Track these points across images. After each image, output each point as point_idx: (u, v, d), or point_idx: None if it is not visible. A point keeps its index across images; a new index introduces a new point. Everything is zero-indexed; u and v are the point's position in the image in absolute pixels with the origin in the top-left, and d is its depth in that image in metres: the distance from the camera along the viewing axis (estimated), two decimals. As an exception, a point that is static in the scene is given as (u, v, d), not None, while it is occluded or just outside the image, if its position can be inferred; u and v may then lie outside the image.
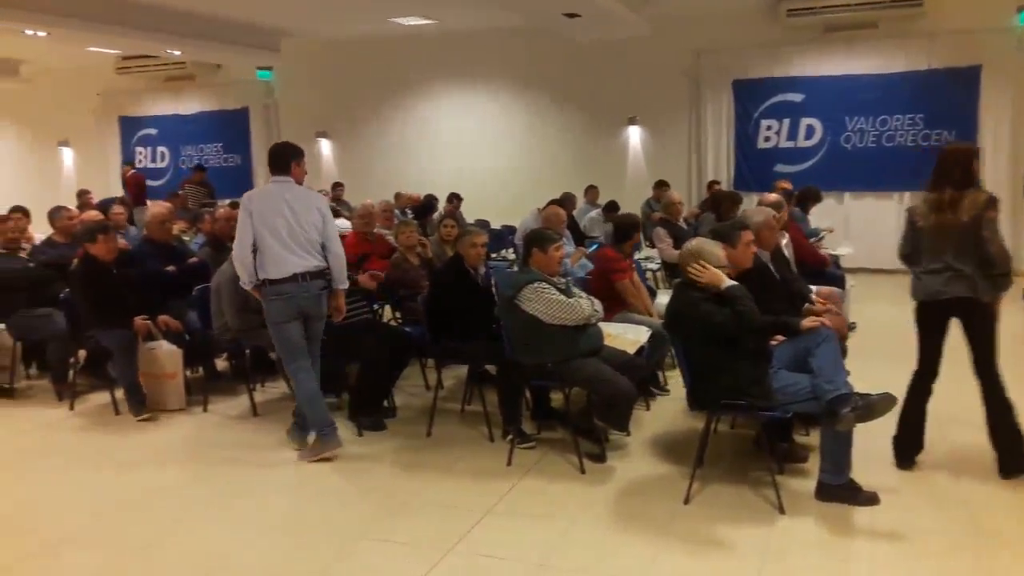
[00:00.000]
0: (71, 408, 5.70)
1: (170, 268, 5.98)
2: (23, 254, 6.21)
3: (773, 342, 4.03)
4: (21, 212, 6.79)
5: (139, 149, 15.40)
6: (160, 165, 15.29)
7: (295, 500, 4.21)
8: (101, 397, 5.79)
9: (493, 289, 5.66)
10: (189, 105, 14.84)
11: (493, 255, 8.76)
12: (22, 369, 6.43)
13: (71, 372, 5.85)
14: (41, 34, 9.55)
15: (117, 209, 8.34)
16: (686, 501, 3.89)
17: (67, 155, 15.97)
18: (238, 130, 14.47)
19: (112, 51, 12.55)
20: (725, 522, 3.69)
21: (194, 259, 6.28)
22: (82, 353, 5.95)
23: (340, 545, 3.62)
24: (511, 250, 9.52)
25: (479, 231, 5.27)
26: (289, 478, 4.46)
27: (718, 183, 10.90)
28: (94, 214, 7.11)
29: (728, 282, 3.82)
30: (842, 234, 10.08)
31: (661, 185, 10.42)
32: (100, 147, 15.48)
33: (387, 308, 6.70)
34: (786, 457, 4.24)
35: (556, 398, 5.03)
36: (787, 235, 5.70)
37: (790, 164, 11.27)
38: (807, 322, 3.93)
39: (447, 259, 5.79)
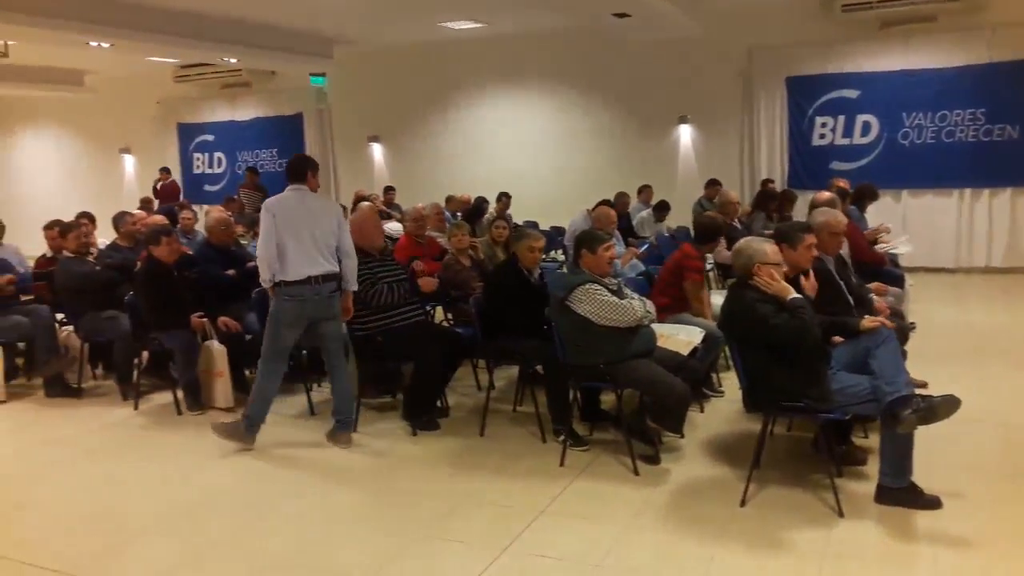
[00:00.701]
0: (135, 407, 5.89)
1: (230, 271, 6.14)
2: (90, 259, 6.42)
3: (832, 343, 3.98)
4: (87, 218, 7.03)
5: (196, 155, 15.81)
6: (217, 171, 15.68)
7: (353, 498, 4.28)
8: (163, 397, 5.97)
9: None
10: (245, 111, 15.19)
11: (543, 257, 8.76)
12: (89, 369, 6.65)
13: (135, 372, 6.03)
14: (105, 45, 9.89)
15: (186, 214, 8.57)
16: (742, 503, 3.85)
17: (128, 162, 16.47)
18: (292, 135, 14.76)
19: (171, 60, 12.90)
20: (783, 525, 3.65)
21: (252, 263, 6.42)
22: (145, 354, 6.14)
23: (397, 543, 3.68)
24: (560, 251, 9.52)
25: (537, 234, 5.29)
26: (347, 477, 4.54)
27: (772, 181, 10.77)
28: (158, 218, 7.34)
29: (792, 294, 3.76)
30: (900, 233, 9.85)
31: (713, 184, 10.33)
32: (159, 153, 15.91)
33: (438, 309, 6.76)
34: (844, 460, 4.17)
35: (607, 400, 5.03)
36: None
37: (846, 161, 11.07)
38: (867, 322, 3.87)
39: (501, 260, 5.83)
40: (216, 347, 5.65)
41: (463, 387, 5.94)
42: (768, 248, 3.90)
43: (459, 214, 10.42)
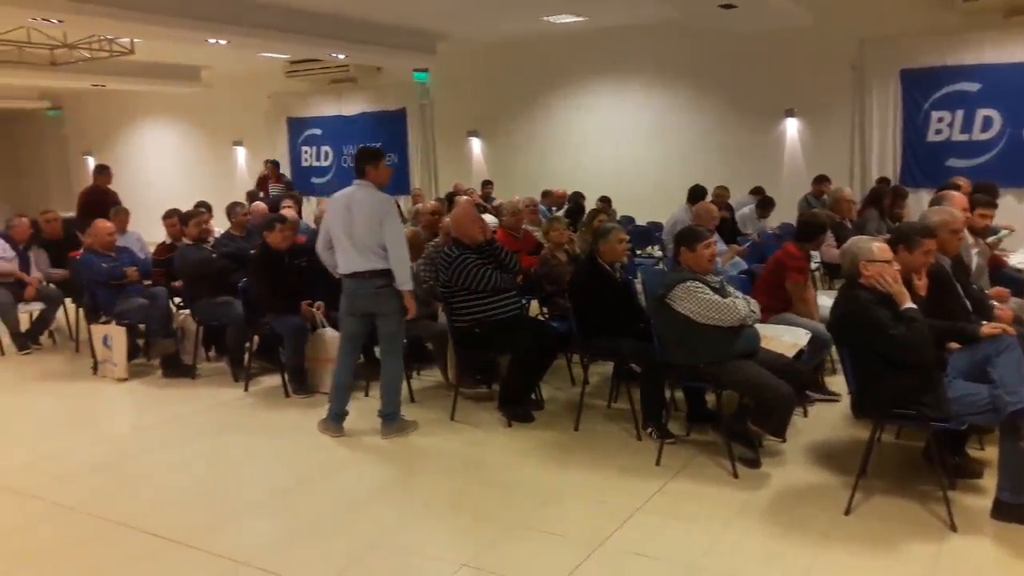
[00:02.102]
0: (245, 389, 6.16)
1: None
2: (207, 246, 6.74)
3: (949, 349, 3.80)
4: (205, 208, 7.39)
5: (304, 148, 16.34)
6: (324, 163, 16.17)
7: (450, 485, 4.37)
8: (273, 380, 6.22)
9: (639, 285, 5.68)
10: (351, 106, 15.59)
11: (638, 252, 8.69)
12: (203, 352, 6.99)
13: (246, 356, 6.31)
14: (222, 42, 10.33)
15: (287, 203, 8.91)
16: (847, 512, 3.73)
17: (240, 154, 17.18)
18: (395, 130, 15.06)
19: (282, 56, 13.37)
20: (889, 536, 3.52)
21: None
22: (256, 338, 6.41)
23: (492, 531, 3.73)
24: (656, 247, 9.41)
25: (620, 228, 5.27)
26: (444, 464, 4.64)
27: (886, 180, 10.31)
28: (263, 207, 7.63)
29: (909, 302, 3.61)
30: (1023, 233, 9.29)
31: (821, 180, 9.94)
32: (270, 146, 16.52)
33: (533, 304, 6.79)
34: (958, 472, 3.98)
35: (709, 400, 4.96)
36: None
37: (964, 158, 10.48)
38: (987, 328, 3.67)
39: (582, 260, 5.79)
40: (328, 334, 5.85)
41: (557, 381, 5.96)
42: (874, 246, 3.75)
43: (555, 208, 10.43)
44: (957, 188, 7.22)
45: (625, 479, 4.25)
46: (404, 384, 5.79)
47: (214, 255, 6.54)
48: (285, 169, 16.10)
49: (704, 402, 4.91)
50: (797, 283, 5.17)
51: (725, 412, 4.59)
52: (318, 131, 16.08)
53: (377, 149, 5.04)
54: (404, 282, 4.85)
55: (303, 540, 3.74)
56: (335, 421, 5.11)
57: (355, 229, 4.79)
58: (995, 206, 5.70)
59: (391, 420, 5.07)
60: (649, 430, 4.75)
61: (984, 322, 3.87)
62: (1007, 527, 3.50)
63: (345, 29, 11.09)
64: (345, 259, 4.86)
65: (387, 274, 4.80)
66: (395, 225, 4.87)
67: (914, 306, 3.60)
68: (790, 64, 11.47)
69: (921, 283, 3.82)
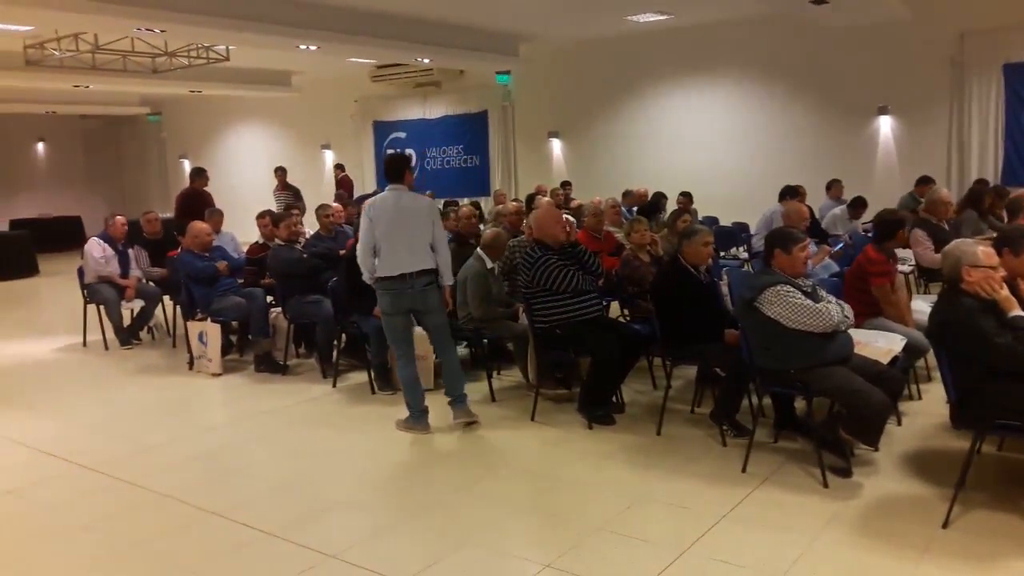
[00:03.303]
0: (334, 385, 6.32)
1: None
2: (298, 247, 6.94)
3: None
4: (297, 209, 7.62)
5: (389, 151, 16.65)
6: (408, 166, 16.43)
7: (532, 485, 4.38)
8: (360, 376, 6.37)
9: (726, 288, 5.59)
10: (435, 109, 15.83)
11: (723, 254, 8.54)
12: (293, 349, 7.20)
13: (335, 353, 6.47)
14: (312, 48, 10.64)
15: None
16: (944, 525, 3.58)
17: (328, 157, 17.63)
18: (477, 132, 15.23)
19: (369, 61, 13.66)
20: (991, 552, 3.36)
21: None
22: (344, 336, 6.57)
23: (573, 533, 3.72)
24: (743, 248, 9.22)
25: (706, 229, 5.20)
26: (525, 464, 4.66)
27: (984, 182, 9.83)
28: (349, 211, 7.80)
29: (1017, 310, 3.44)
30: None
31: (925, 181, 9.47)
32: (356, 149, 16.93)
33: (614, 305, 6.74)
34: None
35: (799, 407, 4.83)
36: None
37: (1072, 157, 9.95)
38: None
39: (666, 263, 5.71)
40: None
41: (638, 384, 5.90)
42: (979, 250, 3.59)
43: (635, 209, 10.34)
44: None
45: (709, 485, 4.18)
46: (485, 384, 5.88)
47: (304, 255, 6.73)
48: (370, 172, 16.49)
49: (793, 409, 4.78)
50: (881, 287, 4.99)
51: (816, 419, 4.47)
52: (403, 134, 16.37)
53: (408, 156, 5.24)
54: (450, 278, 5.25)
55: (389, 535, 3.81)
56: (419, 419, 5.20)
57: (411, 230, 5.03)
58: None
59: (462, 401, 5.25)
60: (724, 427, 4.72)
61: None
62: (1122, 548, 3.31)
63: (429, 33, 11.28)
64: (395, 260, 5.01)
65: (432, 272, 5.10)
66: (441, 225, 5.27)
67: (1022, 314, 3.42)
68: (884, 60, 11.08)
69: None
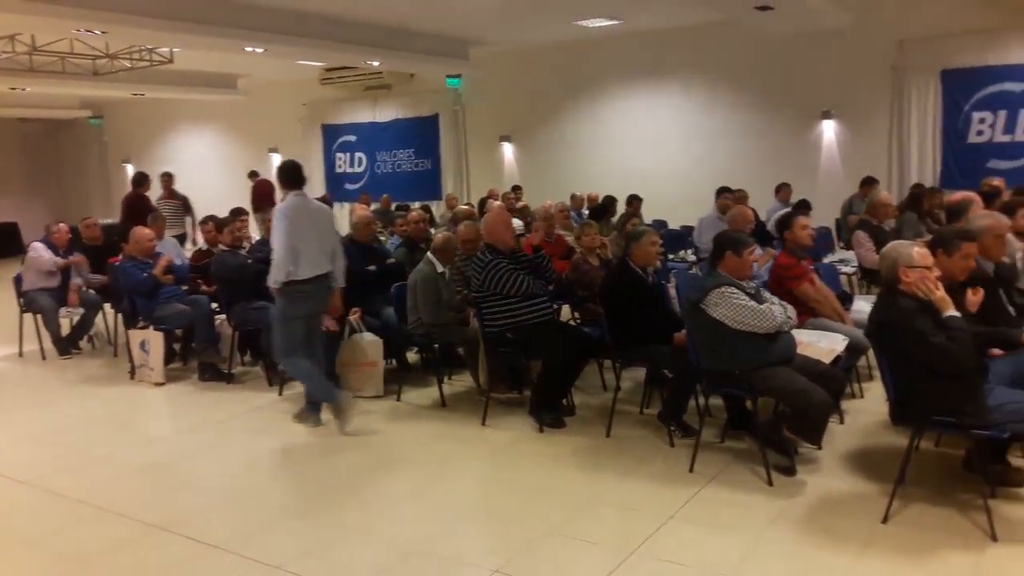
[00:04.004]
0: (280, 393, 6.22)
1: (370, 267, 6.39)
2: (243, 252, 6.83)
3: (990, 356, 3.71)
4: (243, 213, 7.49)
5: (339, 155, 16.51)
6: (357, 170, 16.32)
7: (482, 490, 4.39)
8: (306, 384, 6.27)
9: (674, 290, 5.65)
10: (385, 113, 15.72)
11: (671, 257, 8.65)
12: (238, 356, 7.08)
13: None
14: (259, 50, 10.48)
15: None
16: (884, 520, 3.67)
17: (276, 160, 17.38)
18: (428, 136, 15.17)
19: (318, 64, 13.52)
20: (929, 545, 3.45)
21: (392, 259, 6.67)
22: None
23: (524, 537, 3.72)
24: (691, 251, 9.34)
25: (652, 230, 5.25)
26: (474, 469, 4.64)
27: (920, 186, 10.12)
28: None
29: (952, 310, 3.52)
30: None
31: (869, 182, 9.73)
32: (305, 152, 16.68)
33: (565, 308, 6.77)
34: (1000, 480, 3.89)
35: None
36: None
37: (1006, 159, 10.27)
38: (1031, 334, 3.59)
39: (614, 264, 5.76)
40: (367, 338, 5.90)
41: (588, 387, 5.93)
42: (915, 251, 3.68)
43: (586, 211, 10.40)
44: (993, 190, 7.09)
45: (658, 486, 4.22)
46: (436, 389, 5.85)
47: (249, 260, 6.62)
48: (320, 175, 16.31)
49: (746, 409, 4.84)
50: (802, 289, 5.05)
51: (760, 419, 4.53)
52: (352, 138, 16.24)
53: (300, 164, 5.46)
54: (342, 280, 5.47)
55: (337, 545, 3.76)
56: (342, 399, 5.27)
57: (322, 234, 5.25)
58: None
59: (318, 407, 5.39)
60: (672, 428, 4.77)
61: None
62: (1052, 538, 3.42)
63: (379, 36, 11.21)
64: (311, 264, 5.15)
65: (329, 275, 5.31)
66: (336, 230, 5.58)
67: (957, 314, 3.52)
68: (828, 65, 11.33)
69: (976, 299, 3.71)
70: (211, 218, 7.45)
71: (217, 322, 6.88)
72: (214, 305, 6.91)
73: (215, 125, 18.13)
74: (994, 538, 3.44)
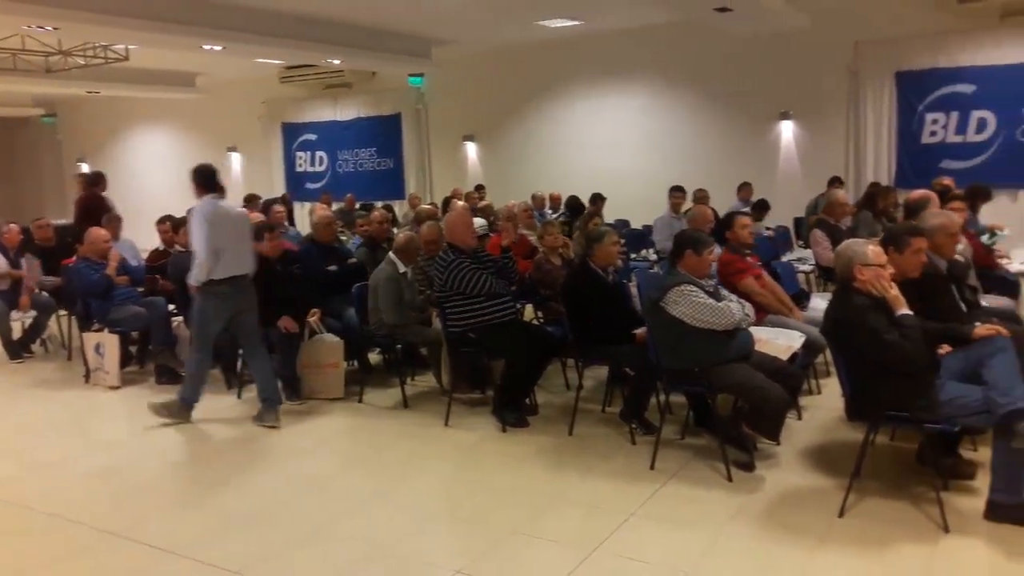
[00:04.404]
0: (238, 396, 6.13)
1: (331, 267, 6.33)
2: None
3: (941, 351, 3.79)
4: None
5: (299, 154, 16.34)
6: (319, 169, 16.17)
7: (445, 491, 4.36)
8: (267, 386, 6.19)
9: (635, 289, 5.68)
10: (346, 111, 15.60)
11: (633, 256, 8.72)
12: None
13: (239, 363, 6.28)
14: (217, 48, 10.33)
15: (277, 208, 8.90)
16: (841, 514, 3.73)
17: (235, 159, 17.18)
18: (391, 135, 15.09)
19: (277, 62, 13.37)
20: (884, 538, 3.51)
21: (353, 259, 6.62)
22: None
23: (487, 538, 3.72)
24: (651, 250, 9.42)
25: (612, 231, 5.29)
26: (438, 471, 4.62)
27: (877, 184, 10.32)
28: (258, 216, 7.62)
29: (904, 308, 3.60)
30: (1019, 234, 9.31)
31: (834, 182, 9.91)
32: (264, 152, 16.54)
33: (528, 308, 6.78)
34: (951, 473, 3.98)
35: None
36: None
37: (958, 160, 10.51)
38: (981, 330, 3.67)
39: (575, 264, 5.79)
40: (328, 340, 5.85)
41: (551, 386, 5.95)
42: (869, 250, 3.75)
43: (549, 211, 10.43)
44: (945, 189, 7.25)
45: (620, 483, 4.24)
46: (398, 390, 5.82)
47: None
48: (279, 174, 16.15)
49: (707, 406, 4.88)
50: (746, 283, 5.12)
51: (720, 416, 4.58)
52: (313, 136, 16.09)
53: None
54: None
55: (298, 549, 3.72)
56: (186, 411, 5.50)
57: (237, 236, 5.35)
58: (963, 199, 6.06)
59: (273, 404, 5.46)
60: (633, 425, 4.81)
61: (977, 323, 3.86)
62: (1000, 528, 3.50)
63: (340, 34, 11.11)
64: (229, 265, 5.27)
65: (248, 276, 5.43)
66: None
67: (909, 312, 3.59)
68: (786, 67, 11.49)
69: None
70: (168, 218, 7.33)
71: (174, 324, 6.77)
72: (171, 307, 6.80)
73: (173, 124, 17.84)
74: (946, 529, 3.52)
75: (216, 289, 5.25)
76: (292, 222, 11.51)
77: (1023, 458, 3.45)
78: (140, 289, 6.97)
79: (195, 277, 5.25)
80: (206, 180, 5.38)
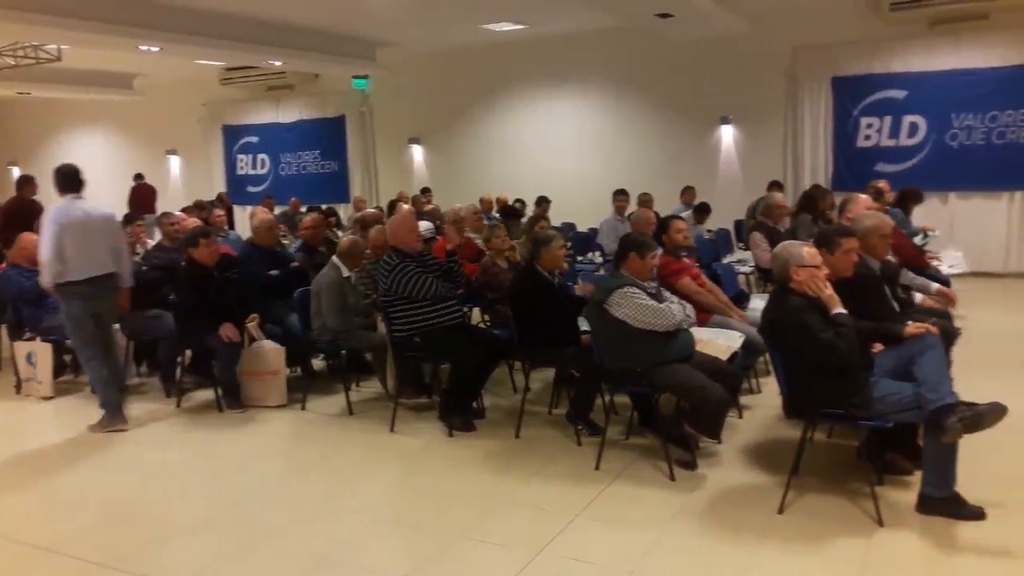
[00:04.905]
0: (178, 405, 5.99)
1: (272, 272, 6.23)
2: (136, 258, 6.56)
3: (874, 350, 3.90)
4: (138, 219, 7.20)
5: (240, 156, 16.07)
6: (261, 172, 15.92)
7: (391, 497, 4.33)
8: (206, 395, 6.07)
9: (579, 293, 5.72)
10: (288, 114, 15.40)
11: (580, 258, 8.78)
12: (134, 367, 6.79)
13: (178, 371, 6.15)
14: (154, 49, 10.10)
15: (218, 212, 8.74)
16: (780, 511, 3.81)
17: (174, 163, 16.81)
18: (335, 137, 14.93)
19: (217, 63, 13.13)
20: (821, 533, 3.60)
21: (295, 263, 6.52)
22: (188, 352, 6.25)
23: (433, 543, 3.70)
24: (597, 253, 9.51)
25: (558, 235, 5.34)
26: (384, 477, 4.58)
27: (818, 186, 10.57)
28: (192, 221, 7.47)
29: (839, 307, 3.69)
30: (948, 236, 9.66)
31: (773, 186, 10.11)
32: (204, 155, 16.22)
33: (475, 311, 6.78)
34: (890, 468, 4.08)
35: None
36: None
37: (891, 163, 10.85)
38: (911, 328, 3.79)
39: (521, 267, 5.82)
40: (269, 346, 5.75)
41: (499, 389, 5.95)
42: (804, 251, 3.84)
43: (496, 215, 10.42)
44: (879, 191, 7.48)
45: (565, 485, 4.26)
46: (342, 396, 5.75)
47: (144, 267, 6.36)
48: (220, 177, 15.88)
49: (652, 409, 4.94)
50: (683, 284, 5.22)
51: (663, 415, 4.64)
52: (255, 139, 15.84)
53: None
54: (128, 279, 5.62)
55: (240, 559, 3.65)
56: (115, 414, 5.46)
57: (94, 237, 5.34)
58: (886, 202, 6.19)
59: (117, 408, 5.48)
60: (579, 426, 4.85)
61: (909, 322, 3.98)
62: (931, 520, 3.61)
63: (281, 35, 10.96)
64: (86, 265, 5.28)
65: (112, 276, 5.45)
66: (121, 231, 5.79)
67: (844, 311, 3.69)
68: (726, 72, 11.71)
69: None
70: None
71: (111, 331, 6.58)
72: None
73: (110, 126, 17.38)
74: (881, 523, 3.62)
75: (76, 290, 5.28)
76: (232, 226, 11.30)
77: (952, 452, 3.57)
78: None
79: (43, 280, 5.34)
80: (65, 180, 5.37)
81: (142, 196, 14.32)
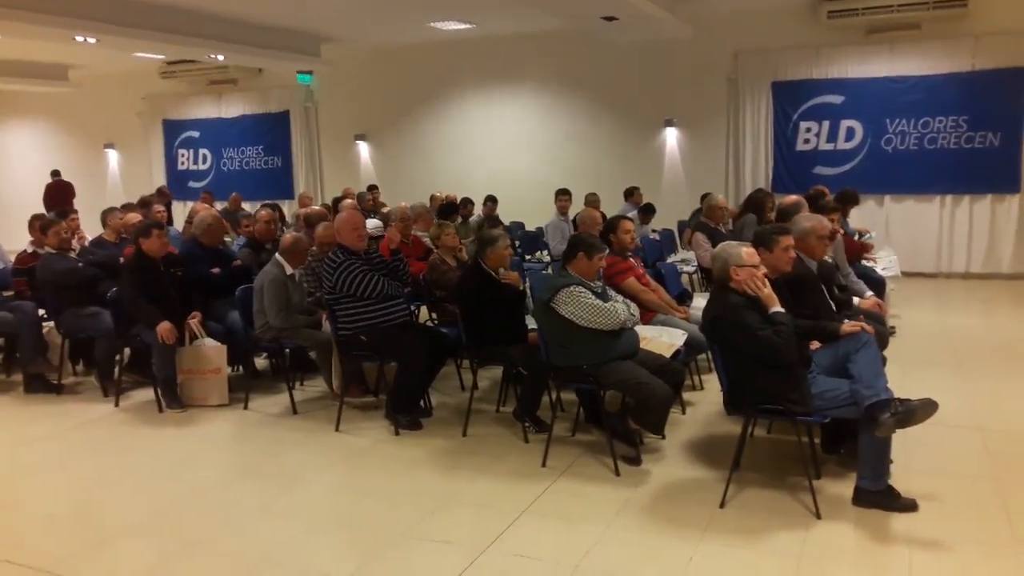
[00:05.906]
0: (116, 404, 5.85)
1: (215, 269, 6.12)
2: (72, 254, 6.38)
3: (812, 347, 4.01)
4: (72, 213, 7.00)
5: (181, 151, 15.70)
6: (202, 167, 15.58)
7: (335, 497, 4.29)
8: (145, 394, 5.93)
9: (528, 290, 5.75)
10: (231, 108, 15.10)
11: (528, 257, 8.82)
12: (69, 366, 6.60)
13: (116, 369, 5.99)
14: (91, 40, 9.79)
15: (157, 207, 8.55)
16: (722, 505, 3.88)
17: (112, 157, 16.35)
18: (279, 133, 14.70)
19: (157, 56, 12.82)
20: (761, 526, 3.68)
21: (237, 262, 6.42)
22: (127, 351, 6.10)
23: (377, 542, 3.68)
24: (545, 252, 9.56)
25: (505, 235, 5.36)
26: (328, 476, 4.54)
27: (761, 190, 10.79)
28: (135, 216, 7.29)
29: (777, 306, 3.79)
30: (883, 238, 9.98)
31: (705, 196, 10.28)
32: (144, 150, 15.81)
33: (423, 309, 6.76)
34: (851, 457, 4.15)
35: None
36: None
37: (829, 166, 11.15)
38: (847, 326, 3.90)
39: (468, 266, 5.82)
40: (209, 344, 5.64)
41: (446, 387, 5.94)
42: (743, 251, 3.93)
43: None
44: (818, 194, 7.67)
45: (512, 482, 4.28)
46: (286, 396, 5.68)
47: (80, 264, 6.19)
48: (160, 173, 15.51)
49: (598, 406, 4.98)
50: (628, 283, 5.30)
51: (608, 412, 4.69)
52: (196, 133, 15.50)
53: None
54: None
55: (182, 562, 3.58)
56: None
57: None
58: (838, 210, 6.47)
59: None
60: (526, 424, 4.89)
61: (845, 321, 4.10)
62: (866, 513, 3.73)
63: (223, 29, 10.74)
64: None
65: None
66: None
67: (782, 310, 3.79)
68: (670, 75, 11.88)
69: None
70: (38, 218, 6.91)
71: (45, 330, 6.38)
72: (41, 312, 6.41)
73: (44, 119, 16.79)
74: (818, 516, 3.72)
75: None
76: (171, 221, 11.05)
77: (886, 447, 3.70)
78: (7, 293, 6.53)
79: None
80: None
81: (59, 193, 13.87)
